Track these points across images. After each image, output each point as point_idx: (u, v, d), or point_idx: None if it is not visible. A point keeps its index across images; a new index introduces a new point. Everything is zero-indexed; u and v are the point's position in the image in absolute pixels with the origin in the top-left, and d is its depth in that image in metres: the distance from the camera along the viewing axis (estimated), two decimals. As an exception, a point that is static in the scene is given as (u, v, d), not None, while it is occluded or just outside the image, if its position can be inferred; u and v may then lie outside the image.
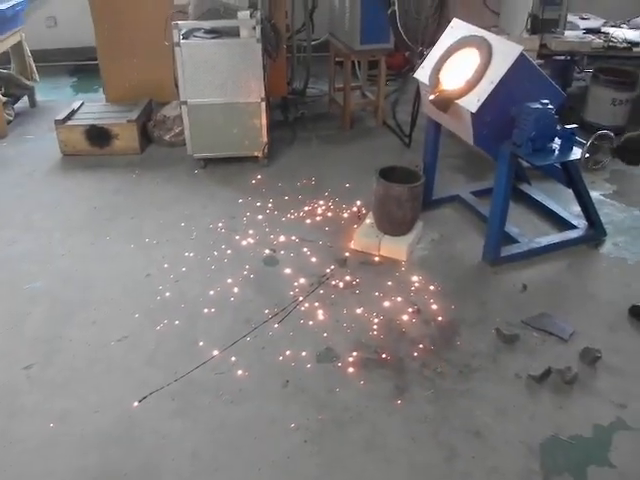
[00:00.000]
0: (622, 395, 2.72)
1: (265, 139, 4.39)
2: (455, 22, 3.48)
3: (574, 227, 3.78)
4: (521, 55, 3.05)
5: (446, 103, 3.20)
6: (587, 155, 2.95)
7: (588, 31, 5.41)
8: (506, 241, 3.61)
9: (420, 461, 2.44)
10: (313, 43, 5.60)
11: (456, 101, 3.19)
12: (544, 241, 3.64)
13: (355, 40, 4.70)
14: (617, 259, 3.62)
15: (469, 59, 3.22)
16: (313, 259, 3.52)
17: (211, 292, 3.27)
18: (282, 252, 3.58)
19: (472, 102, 3.11)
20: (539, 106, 3.09)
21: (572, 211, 3.89)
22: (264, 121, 4.32)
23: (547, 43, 4.98)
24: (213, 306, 3.18)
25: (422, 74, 3.50)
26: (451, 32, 3.44)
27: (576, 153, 3.22)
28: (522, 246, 3.59)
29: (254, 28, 4.08)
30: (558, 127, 3.21)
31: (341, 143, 4.86)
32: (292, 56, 5.45)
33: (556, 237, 3.71)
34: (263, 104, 4.26)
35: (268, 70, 4.56)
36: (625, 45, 5.15)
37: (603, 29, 5.48)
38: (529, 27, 4.95)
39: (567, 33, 5.19)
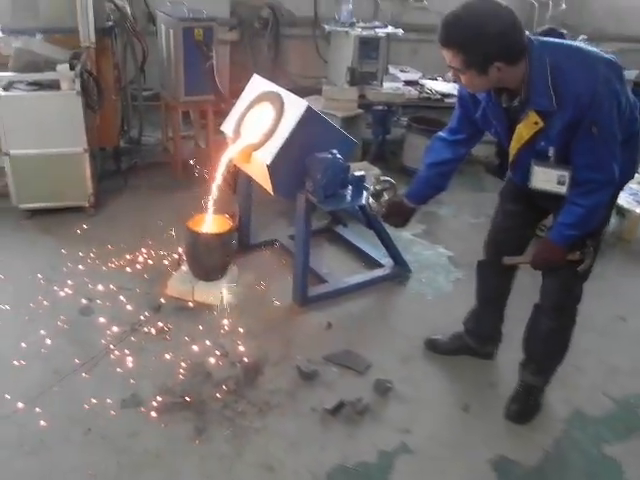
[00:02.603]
0: (408, 422, 2.97)
1: (91, 189, 4.44)
2: (255, 78, 3.72)
3: (381, 266, 4.07)
4: (307, 110, 3.29)
5: (246, 155, 3.42)
6: (371, 200, 3.22)
7: (407, 83, 5.89)
8: (316, 281, 3.85)
9: (212, 499, 2.56)
10: (149, 93, 5.75)
11: (253, 153, 3.40)
12: (351, 280, 3.90)
13: (180, 91, 4.87)
14: (418, 294, 3.94)
15: (265, 113, 3.45)
16: (128, 307, 3.59)
17: (23, 344, 3.26)
18: (99, 301, 3.63)
19: (266, 155, 3.32)
20: (328, 156, 3.34)
21: (382, 251, 4.15)
22: (89, 171, 4.38)
23: (366, 94, 5.36)
24: (23, 358, 3.17)
25: (227, 126, 3.69)
26: (252, 87, 3.67)
27: (364, 198, 3.49)
28: (330, 286, 3.83)
29: (74, 81, 4.14)
30: (349, 174, 3.48)
31: (170, 191, 4.97)
32: (126, 106, 5.56)
33: (363, 276, 3.98)
34: (87, 155, 4.32)
35: (95, 121, 4.64)
36: (438, 96, 5.63)
37: (421, 81, 5.96)
38: (348, 79, 5.32)
39: (386, 85, 5.62)
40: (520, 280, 3.16)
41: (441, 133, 2.96)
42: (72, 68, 4.19)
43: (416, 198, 3.09)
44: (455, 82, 2.62)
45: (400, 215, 3.16)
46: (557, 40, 2.53)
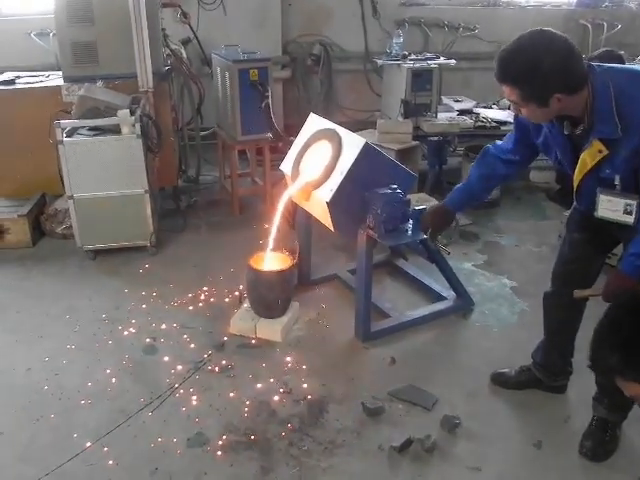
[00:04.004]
0: (478, 459, 2.89)
1: (151, 229, 4.54)
2: (312, 116, 3.76)
3: (444, 299, 4.01)
4: (365, 146, 3.31)
5: (306, 193, 3.45)
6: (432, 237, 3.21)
7: (462, 112, 5.85)
8: (378, 316, 3.82)
9: (281, 540, 2.53)
10: (206, 133, 5.89)
11: (313, 191, 3.43)
12: (414, 314, 3.85)
13: (237, 131, 4.97)
14: (483, 327, 3.86)
15: (323, 151, 3.48)
16: (192, 345, 3.63)
17: (89, 384, 3.32)
18: (162, 340, 3.68)
19: (326, 192, 3.35)
20: (388, 191, 3.34)
21: (444, 284, 4.10)
22: (149, 211, 4.49)
23: (420, 125, 5.37)
24: (90, 398, 3.23)
25: (286, 165, 3.75)
26: (309, 126, 3.71)
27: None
28: (393, 320, 3.79)
29: (134, 125, 4.28)
30: (409, 208, 3.46)
31: (229, 229, 5.06)
32: (184, 146, 5.71)
33: (426, 309, 3.93)
34: (147, 195, 4.44)
35: (155, 162, 4.77)
36: (493, 124, 5.58)
37: (475, 110, 5.93)
38: (402, 111, 5.34)
39: (441, 115, 5.61)
40: (591, 310, 3.07)
41: (492, 148, 2.97)
42: (132, 113, 4.35)
43: (456, 206, 3.17)
44: (515, 113, 2.61)
45: (441, 219, 3.22)
46: (619, 65, 2.49)
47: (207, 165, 6.05)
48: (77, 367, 3.47)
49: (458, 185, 3.18)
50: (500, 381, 3.35)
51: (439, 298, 4.05)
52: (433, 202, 4.86)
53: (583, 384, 3.12)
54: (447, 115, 5.69)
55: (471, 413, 3.14)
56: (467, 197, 3.14)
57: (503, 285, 4.31)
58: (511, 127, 2.95)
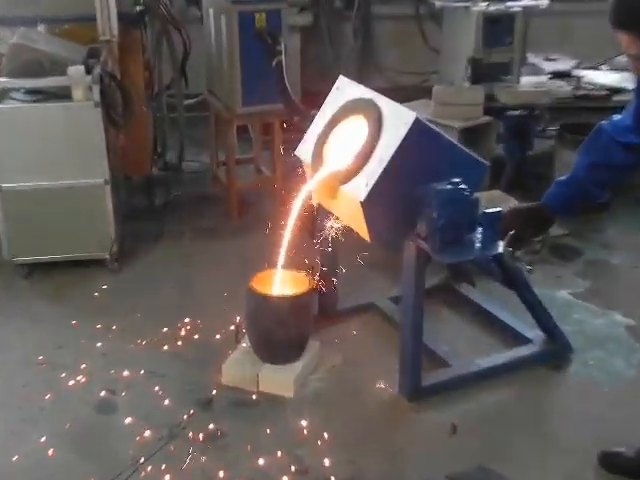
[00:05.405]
0: None
1: (113, 235, 4.55)
2: (341, 80, 3.74)
3: (528, 341, 3.96)
4: (416, 123, 3.26)
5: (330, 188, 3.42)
6: (510, 248, 3.15)
7: (555, 75, 5.80)
8: (433, 365, 3.79)
9: None
10: (191, 102, 5.89)
11: (341, 187, 3.39)
12: (484, 363, 3.82)
13: (236, 100, 4.97)
14: (586, 384, 3.81)
15: (356, 130, 3.46)
16: (166, 401, 3.60)
17: (14, 458, 3.25)
18: (124, 393, 3.66)
19: (360, 187, 3.30)
20: (447, 186, 3.29)
21: (528, 320, 4.04)
22: (110, 210, 4.50)
23: (496, 95, 5.30)
24: (17, 478, 3.17)
25: (304, 150, 3.72)
26: (336, 95, 3.69)
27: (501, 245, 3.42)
28: (453, 371, 3.76)
29: (91, 88, 4.25)
30: (479, 212, 3.41)
31: (223, 237, 5.09)
32: (161, 119, 5.69)
33: (501, 357, 3.90)
34: (108, 188, 4.44)
35: (120, 141, 4.75)
36: (602, 92, 5.50)
37: (575, 72, 5.87)
38: (469, 75, 5.27)
39: (525, 80, 5.55)
40: None
41: (607, 125, 2.98)
42: (88, 71, 4.32)
43: (558, 206, 3.25)
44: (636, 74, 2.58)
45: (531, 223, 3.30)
46: None
47: (193, 147, 6.08)
48: (-1, 433, 3.45)
49: (560, 178, 3.18)
50: (611, 464, 3.24)
51: (520, 340, 4.02)
52: (512, 203, 4.79)
53: None
54: (534, 80, 5.66)
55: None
56: (573, 195, 3.17)
57: (615, 324, 4.26)
58: (629, 96, 2.92)
